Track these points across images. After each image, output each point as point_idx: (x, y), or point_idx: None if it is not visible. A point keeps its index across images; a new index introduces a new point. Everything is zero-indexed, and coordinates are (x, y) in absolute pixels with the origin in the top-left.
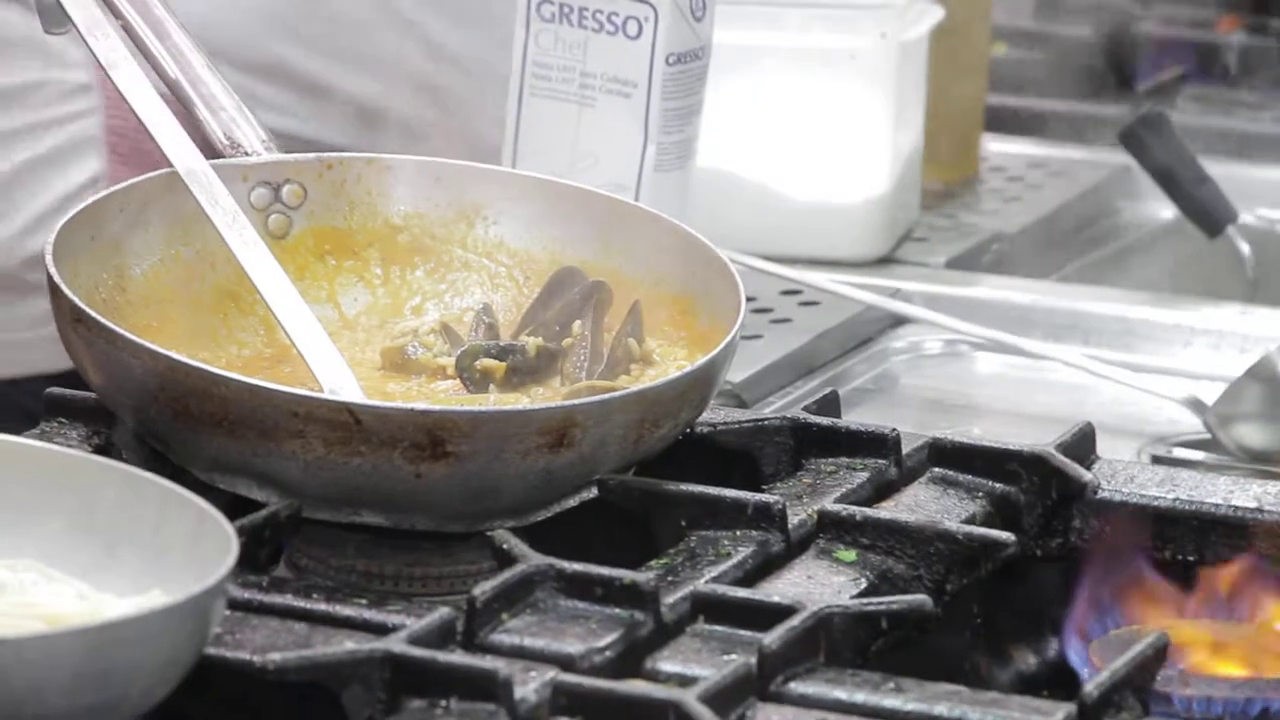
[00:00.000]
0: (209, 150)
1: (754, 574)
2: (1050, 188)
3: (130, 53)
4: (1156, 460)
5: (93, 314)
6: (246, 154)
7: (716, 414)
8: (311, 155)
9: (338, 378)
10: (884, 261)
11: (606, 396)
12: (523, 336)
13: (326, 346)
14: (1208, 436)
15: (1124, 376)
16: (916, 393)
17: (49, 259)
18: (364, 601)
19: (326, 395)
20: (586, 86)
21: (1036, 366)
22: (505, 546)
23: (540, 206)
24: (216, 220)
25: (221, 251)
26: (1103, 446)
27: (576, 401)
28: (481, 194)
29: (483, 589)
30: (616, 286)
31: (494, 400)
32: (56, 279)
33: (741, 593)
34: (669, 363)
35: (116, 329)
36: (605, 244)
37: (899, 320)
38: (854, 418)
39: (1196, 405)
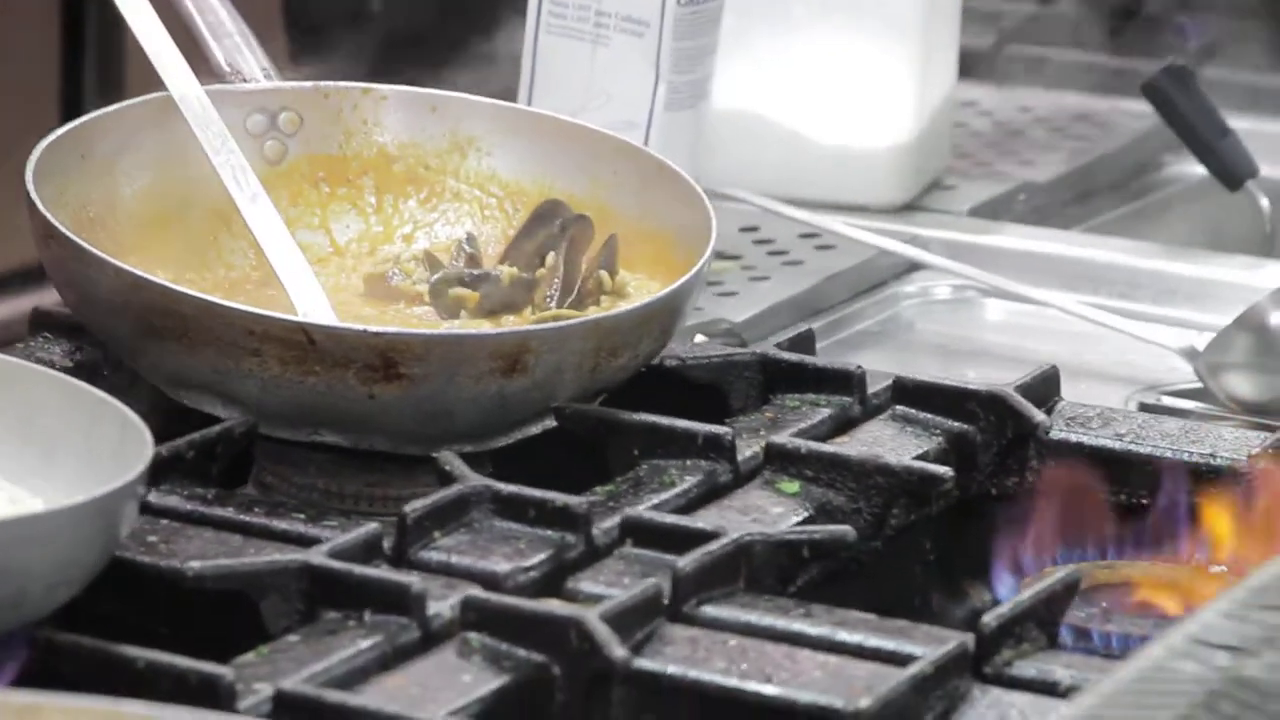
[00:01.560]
0: (212, 77)
1: (696, 502)
2: (1091, 140)
3: None
4: (1144, 407)
5: (62, 230)
6: (244, 80)
7: (688, 348)
8: (308, 83)
9: (311, 300)
10: (908, 208)
11: (560, 324)
12: (499, 266)
13: (303, 270)
14: (1200, 386)
15: (1120, 324)
16: (922, 337)
17: (29, 176)
18: (301, 516)
19: (281, 314)
20: (601, 25)
21: (1044, 315)
22: (448, 468)
23: (533, 140)
24: (205, 143)
25: (215, 175)
26: (1096, 393)
27: (529, 328)
28: (476, 126)
29: (413, 507)
30: (602, 220)
31: (461, 326)
32: (32, 195)
33: (669, 518)
34: (643, 296)
35: (84, 244)
36: (593, 178)
37: (913, 266)
38: (857, 360)
39: (1192, 354)
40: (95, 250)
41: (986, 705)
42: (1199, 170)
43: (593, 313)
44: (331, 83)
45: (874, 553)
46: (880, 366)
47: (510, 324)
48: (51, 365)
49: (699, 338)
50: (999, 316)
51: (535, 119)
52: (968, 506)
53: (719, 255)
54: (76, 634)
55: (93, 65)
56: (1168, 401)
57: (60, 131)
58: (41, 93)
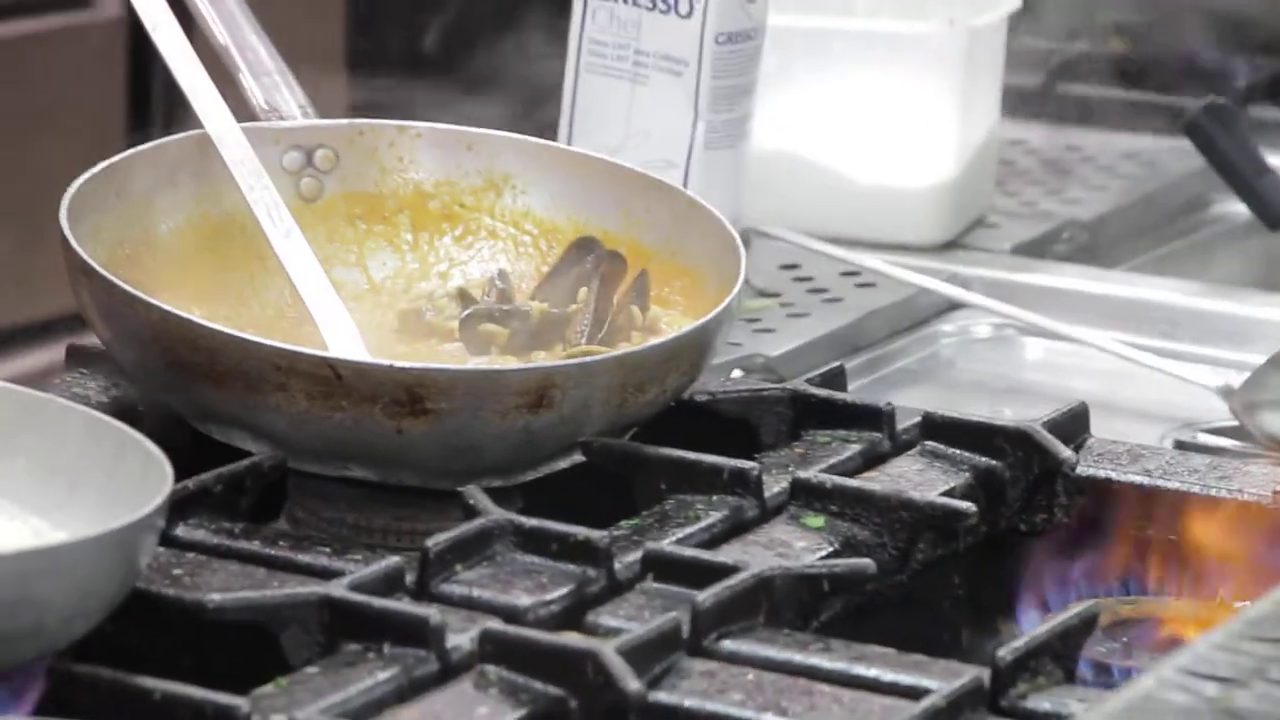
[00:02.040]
0: (250, 115)
1: (720, 537)
2: (1138, 179)
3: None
4: (1180, 445)
5: (93, 264)
6: (282, 118)
7: (719, 383)
8: (344, 121)
9: (343, 336)
10: (950, 246)
11: (585, 360)
12: (529, 302)
13: (335, 306)
14: (1237, 424)
15: (1158, 363)
16: (961, 375)
17: (63, 214)
18: (326, 550)
19: (307, 349)
20: (640, 64)
21: (1083, 353)
22: (472, 502)
23: (567, 177)
24: (239, 180)
25: (251, 212)
26: (1133, 431)
27: (555, 363)
28: (511, 163)
29: (436, 540)
30: (635, 257)
31: (490, 362)
32: (66, 232)
33: (689, 552)
34: (674, 332)
35: (114, 279)
36: (626, 215)
37: (953, 304)
38: (894, 398)
39: (1228, 393)
40: (124, 285)
41: None
42: (1246, 209)
43: (623, 349)
44: (366, 120)
45: (901, 588)
46: (919, 404)
47: (540, 360)
48: (86, 400)
49: (736, 373)
50: (1038, 355)
51: (569, 156)
52: (996, 542)
53: (758, 293)
54: (95, 665)
55: (160, 103)
56: (1203, 439)
57: (96, 169)
58: (107, 131)
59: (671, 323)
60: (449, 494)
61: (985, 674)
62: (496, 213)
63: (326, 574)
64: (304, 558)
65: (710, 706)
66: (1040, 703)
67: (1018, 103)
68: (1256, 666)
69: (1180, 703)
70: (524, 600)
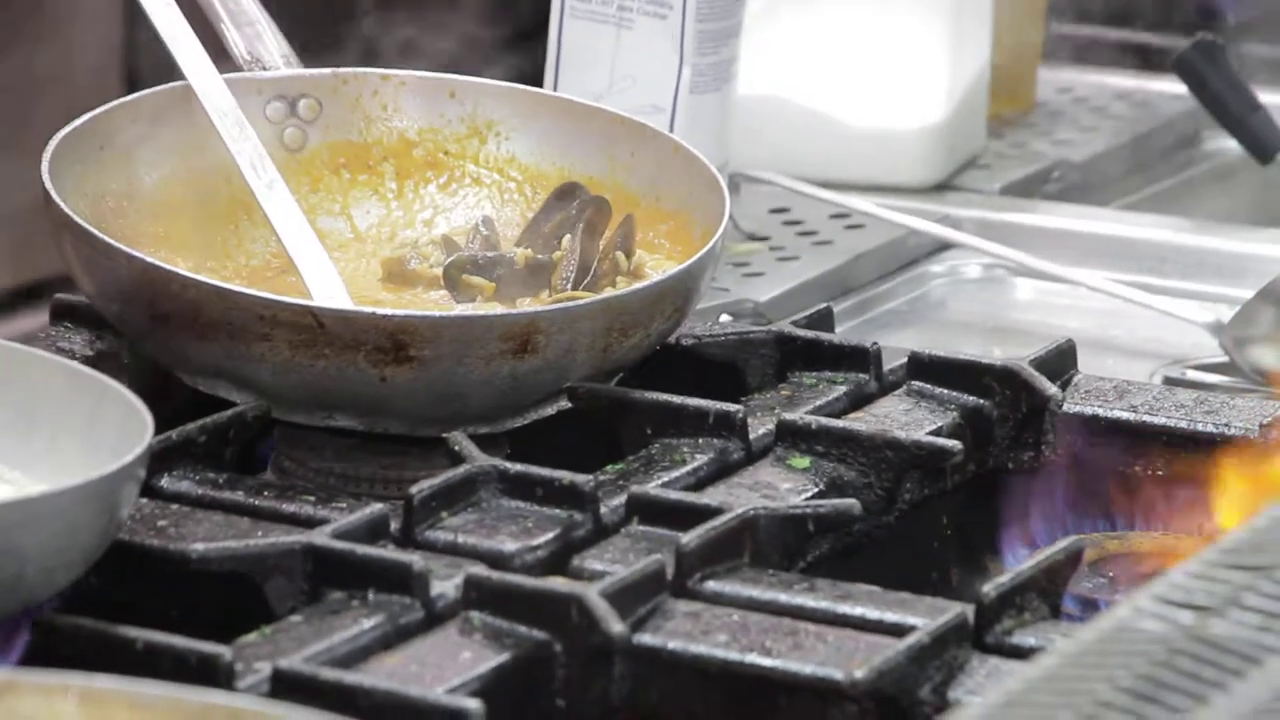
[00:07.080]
0: (233, 66)
1: (706, 480)
2: (1130, 119)
3: None
4: (1170, 382)
5: (75, 218)
6: (265, 68)
7: (705, 326)
8: (327, 70)
9: (326, 285)
10: (940, 187)
11: (569, 304)
12: (514, 249)
13: (319, 255)
14: (1226, 359)
15: (1147, 299)
16: (951, 316)
17: (45, 168)
18: (311, 499)
19: (289, 298)
20: (625, 8)
21: (1074, 292)
22: (457, 448)
23: (551, 123)
24: (223, 131)
25: (235, 164)
26: (1123, 368)
27: (538, 308)
28: (494, 110)
29: (420, 488)
30: (620, 202)
31: (475, 309)
32: (48, 185)
33: (674, 495)
34: (658, 276)
35: (96, 232)
36: (611, 160)
37: (943, 245)
38: (885, 339)
39: (1217, 328)
40: (107, 238)
41: (984, 675)
42: (1237, 146)
43: (607, 293)
44: (350, 69)
45: (889, 528)
46: (909, 345)
47: (525, 306)
48: (71, 354)
49: (724, 318)
50: (1029, 295)
51: (553, 102)
52: (984, 481)
53: (748, 237)
54: (80, 616)
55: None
56: (1193, 376)
57: (78, 122)
58: (105, 80)
59: (656, 267)
60: (435, 441)
61: (970, 610)
62: (481, 159)
63: (311, 523)
64: (288, 507)
65: (695, 648)
66: (1025, 638)
67: None
68: (1232, 594)
69: (1155, 631)
70: (509, 546)
